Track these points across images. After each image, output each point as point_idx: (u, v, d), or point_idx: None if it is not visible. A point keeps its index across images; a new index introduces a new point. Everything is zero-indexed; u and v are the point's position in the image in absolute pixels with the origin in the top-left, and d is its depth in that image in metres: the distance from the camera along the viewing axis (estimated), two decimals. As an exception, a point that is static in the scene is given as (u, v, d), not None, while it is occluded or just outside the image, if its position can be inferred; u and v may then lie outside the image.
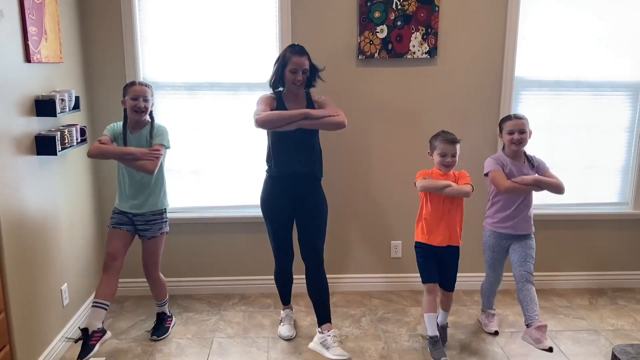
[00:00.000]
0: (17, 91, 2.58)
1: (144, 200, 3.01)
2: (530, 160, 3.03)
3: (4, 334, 2.43)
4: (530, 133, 2.98)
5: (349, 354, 2.88)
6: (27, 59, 2.65)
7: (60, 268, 3.03)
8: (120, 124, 3.01)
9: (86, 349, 2.72)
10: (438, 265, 2.98)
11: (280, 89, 3.01)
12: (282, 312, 3.35)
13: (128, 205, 3.01)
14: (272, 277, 3.28)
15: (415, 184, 2.94)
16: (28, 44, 2.64)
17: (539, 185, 2.92)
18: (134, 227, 3.04)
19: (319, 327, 3.00)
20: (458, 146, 2.90)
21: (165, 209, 3.11)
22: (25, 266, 2.64)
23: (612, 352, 1.37)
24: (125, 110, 2.99)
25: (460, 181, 2.90)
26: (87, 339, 2.74)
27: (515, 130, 2.94)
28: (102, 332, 2.81)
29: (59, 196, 3.02)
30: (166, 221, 3.13)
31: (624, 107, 3.70)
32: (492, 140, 3.64)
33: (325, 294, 3.03)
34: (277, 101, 2.98)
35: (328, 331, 2.95)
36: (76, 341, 2.80)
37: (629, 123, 3.72)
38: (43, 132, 2.78)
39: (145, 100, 2.94)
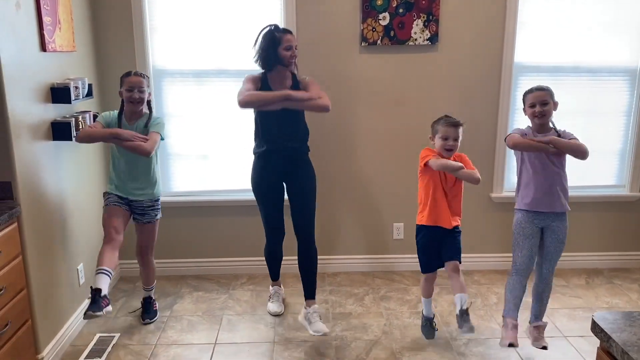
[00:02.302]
0: (34, 79, 2.70)
1: (141, 191, 3.04)
2: (557, 132, 2.82)
3: (25, 309, 2.58)
4: (556, 104, 2.80)
5: (328, 329, 3.01)
6: (43, 48, 2.76)
7: (76, 249, 3.17)
8: (116, 112, 3.03)
9: (97, 305, 2.60)
10: (440, 246, 2.88)
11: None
12: (270, 288, 3.45)
13: (123, 193, 3.04)
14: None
15: (425, 164, 2.80)
16: (43, 34, 2.75)
17: (554, 146, 2.71)
18: (130, 209, 3.08)
19: (305, 301, 3.15)
20: (461, 130, 2.81)
21: (159, 197, 3.15)
22: (44, 247, 2.78)
23: (592, 319, 1.49)
24: (122, 100, 3.01)
25: (467, 167, 2.82)
26: (99, 298, 2.64)
27: (537, 103, 2.77)
28: (109, 301, 2.73)
29: (74, 179, 3.15)
30: (160, 208, 3.18)
31: (621, 91, 3.77)
32: (492, 125, 3.73)
33: (313, 270, 3.15)
34: (262, 82, 2.98)
35: (310, 307, 3.09)
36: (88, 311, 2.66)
37: (626, 107, 3.80)
38: (59, 119, 2.90)
39: (141, 91, 2.95)
